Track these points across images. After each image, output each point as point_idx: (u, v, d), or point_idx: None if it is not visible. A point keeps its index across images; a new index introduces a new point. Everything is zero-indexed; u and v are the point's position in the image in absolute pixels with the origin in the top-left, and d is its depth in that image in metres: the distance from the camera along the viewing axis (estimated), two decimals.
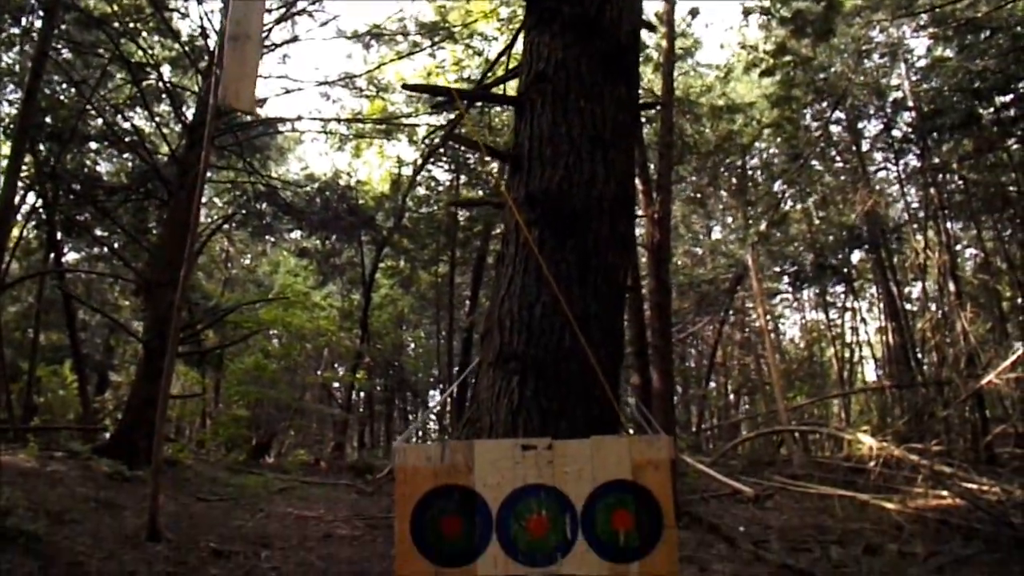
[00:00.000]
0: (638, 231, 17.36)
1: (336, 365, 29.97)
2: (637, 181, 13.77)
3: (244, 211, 22.18)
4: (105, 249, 20.94)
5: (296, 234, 25.79)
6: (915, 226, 24.84)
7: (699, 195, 26.31)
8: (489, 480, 3.06)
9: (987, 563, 9.60)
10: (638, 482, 3.05)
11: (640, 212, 14.37)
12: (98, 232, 20.46)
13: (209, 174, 20.14)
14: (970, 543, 10.54)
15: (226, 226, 23.78)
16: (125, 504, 9.74)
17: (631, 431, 4.39)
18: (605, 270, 3.55)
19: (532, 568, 2.98)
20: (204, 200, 25.03)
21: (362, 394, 28.92)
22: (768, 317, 27.69)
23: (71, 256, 23.47)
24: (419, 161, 22.89)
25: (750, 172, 26.56)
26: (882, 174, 26.89)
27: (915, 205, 25.97)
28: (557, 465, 3.06)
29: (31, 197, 19.92)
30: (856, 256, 29.30)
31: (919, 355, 24.49)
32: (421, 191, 24.50)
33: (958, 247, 27.00)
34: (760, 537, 11.32)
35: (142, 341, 14.45)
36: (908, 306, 26.90)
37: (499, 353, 3.45)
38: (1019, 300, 27.11)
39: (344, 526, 10.65)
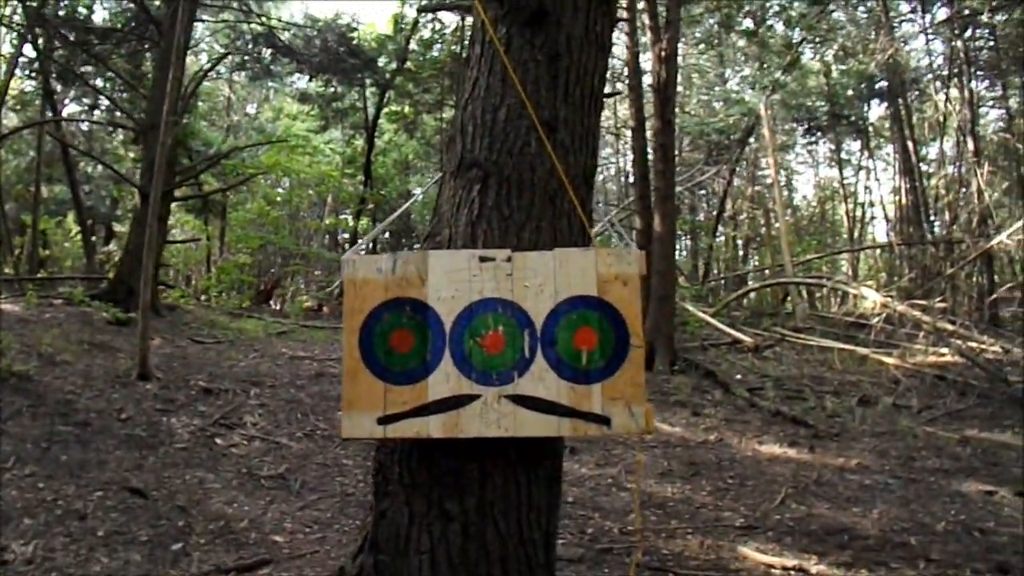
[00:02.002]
0: (646, 80, 16.73)
1: (341, 215, 29.81)
2: (645, 17, 13.12)
3: (244, 56, 21.49)
4: (103, 99, 20.50)
5: (298, 80, 25.16)
6: (937, 83, 23.93)
7: (712, 39, 25.18)
8: (443, 293, 2.85)
9: (979, 416, 9.72)
10: (604, 298, 2.83)
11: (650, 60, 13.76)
12: (96, 84, 19.96)
13: (204, 16, 19.40)
14: (964, 398, 10.62)
15: (224, 71, 23.08)
16: (120, 347, 9.81)
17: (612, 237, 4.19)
18: (577, 72, 3.21)
19: (487, 387, 2.79)
20: (202, 45, 24.28)
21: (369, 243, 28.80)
22: (780, 169, 27.13)
23: (71, 108, 23.16)
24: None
25: (767, 22, 25.32)
26: (907, 27, 25.63)
27: (939, 62, 24.98)
28: (517, 278, 2.84)
29: (25, 50, 19.41)
30: (874, 114, 28.51)
31: (931, 215, 24.10)
32: (425, 33, 23.55)
33: (981, 109, 26.02)
34: (756, 385, 11.36)
35: (138, 187, 14.20)
36: (924, 167, 26.20)
37: (460, 160, 3.16)
38: None
39: (337, 365, 10.61)
